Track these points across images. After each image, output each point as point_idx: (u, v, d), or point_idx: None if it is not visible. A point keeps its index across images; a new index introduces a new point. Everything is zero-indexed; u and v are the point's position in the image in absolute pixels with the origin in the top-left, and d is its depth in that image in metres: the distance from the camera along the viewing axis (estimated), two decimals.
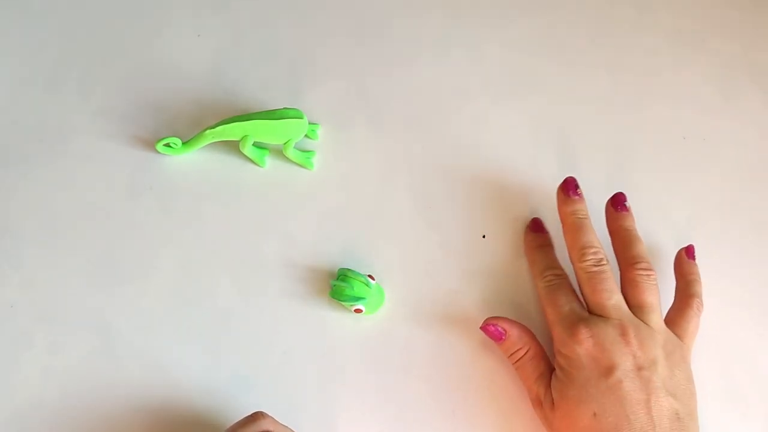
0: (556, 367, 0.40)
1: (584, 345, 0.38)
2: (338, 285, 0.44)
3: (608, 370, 0.38)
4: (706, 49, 0.55)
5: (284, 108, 0.48)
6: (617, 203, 0.45)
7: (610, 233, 0.44)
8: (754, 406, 0.43)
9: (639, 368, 0.38)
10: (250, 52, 0.54)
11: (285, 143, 0.48)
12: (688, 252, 0.45)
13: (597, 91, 0.53)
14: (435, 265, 0.47)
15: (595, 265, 0.41)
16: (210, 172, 0.49)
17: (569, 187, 0.45)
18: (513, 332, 0.42)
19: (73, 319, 0.45)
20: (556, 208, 0.45)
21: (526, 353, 0.42)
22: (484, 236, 0.47)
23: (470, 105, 0.52)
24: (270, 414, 0.39)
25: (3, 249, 0.47)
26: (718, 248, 0.48)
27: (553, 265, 0.44)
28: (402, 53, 0.54)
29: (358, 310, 0.43)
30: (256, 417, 0.39)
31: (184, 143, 0.49)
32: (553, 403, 0.39)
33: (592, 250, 0.42)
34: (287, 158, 0.49)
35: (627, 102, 0.52)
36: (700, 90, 0.53)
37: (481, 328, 0.43)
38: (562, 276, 0.43)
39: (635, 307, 0.41)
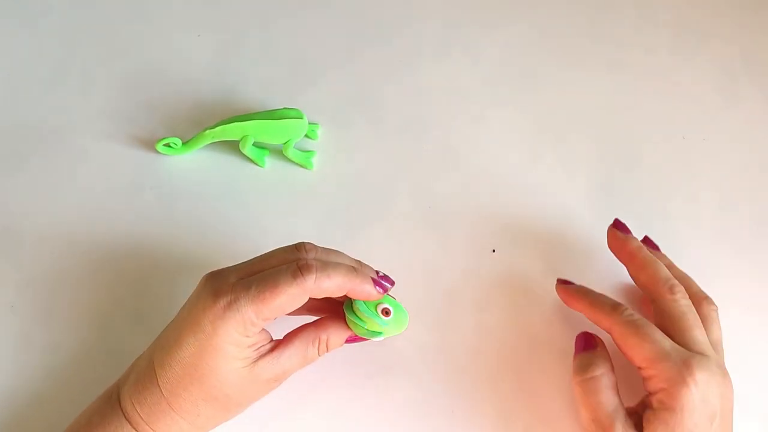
0: (655, 407, 0.36)
1: (700, 386, 0.35)
2: (352, 320, 0.39)
3: (713, 415, 0.36)
4: (706, 49, 0.55)
5: (284, 108, 0.48)
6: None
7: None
8: (752, 406, 0.43)
9: (725, 411, 0.37)
10: (250, 52, 0.54)
11: (285, 143, 0.48)
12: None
13: (597, 91, 0.53)
14: (435, 265, 0.47)
15: (685, 299, 0.39)
16: (210, 172, 0.49)
17: (622, 227, 0.44)
18: (598, 351, 0.40)
19: (72, 318, 0.45)
20: (613, 251, 0.44)
21: (601, 375, 0.38)
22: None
23: (470, 105, 0.52)
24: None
25: (3, 249, 0.47)
26: (718, 248, 0.48)
27: (616, 301, 0.40)
28: (402, 53, 0.54)
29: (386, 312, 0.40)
30: (300, 247, 0.38)
31: (184, 143, 0.49)
32: None
33: (678, 285, 0.40)
34: (287, 158, 0.49)
35: (627, 102, 0.52)
36: (700, 90, 0.53)
37: (579, 335, 0.41)
38: (633, 311, 0.39)
39: (712, 343, 0.39)
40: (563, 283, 0.43)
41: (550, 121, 0.52)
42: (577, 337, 0.41)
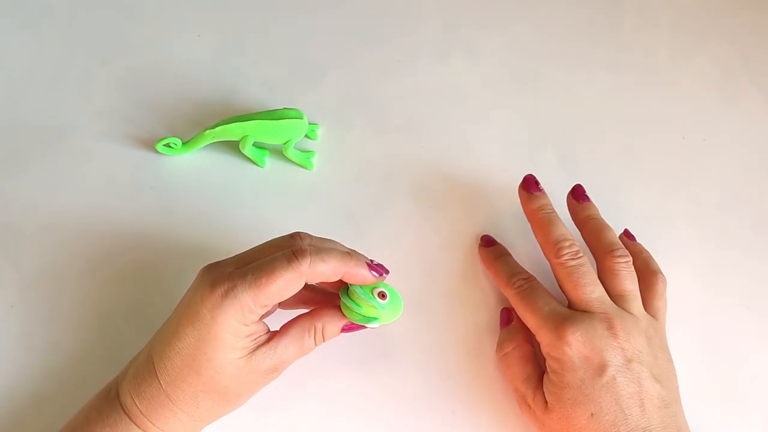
0: (548, 370, 0.39)
1: (574, 346, 0.38)
2: (346, 305, 0.39)
3: (601, 368, 0.37)
4: (706, 49, 0.55)
5: (284, 108, 0.48)
6: (579, 195, 0.45)
7: (579, 225, 0.44)
8: (752, 406, 0.43)
9: (628, 361, 0.38)
10: (250, 52, 0.54)
11: (285, 143, 0.48)
12: (628, 235, 0.46)
13: (597, 91, 0.53)
14: (435, 265, 0.47)
15: (573, 259, 0.41)
16: (210, 172, 0.49)
17: (530, 185, 0.44)
18: (512, 325, 0.43)
19: (73, 318, 0.45)
20: (522, 209, 0.45)
21: (512, 350, 0.42)
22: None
23: (470, 105, 0.52)
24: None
25: (4, 249, 0.47)
26: (718, 248, 0.48)
27: (517, 270, 0.43)
28: (402, 53, 0.54)
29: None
30: (294, 236, 0.38)
31: (184, 143, 0.49)
32: (546, 406, 0.39)
33: (567, 243, 0.41)
34: (287, 158, 0.49)
35: (627, 102, 0.52)
36: (700, 90, 0.53)
37: (501, 311, 0.44)
38: (531, 278, 0.43)
39: (616, 296, 0.40)
40: (486, 245, 0.46)
41: (550, 121, 0.52)
42: (500, 313, 0.44)
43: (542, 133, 0.51)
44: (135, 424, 0.37)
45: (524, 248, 0.47)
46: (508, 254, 0.45)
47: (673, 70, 0.54)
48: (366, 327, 0.39)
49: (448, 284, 0.46)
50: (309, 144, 0.50)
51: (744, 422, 0.43)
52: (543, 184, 0.49)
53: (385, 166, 0.50)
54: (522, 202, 0.45)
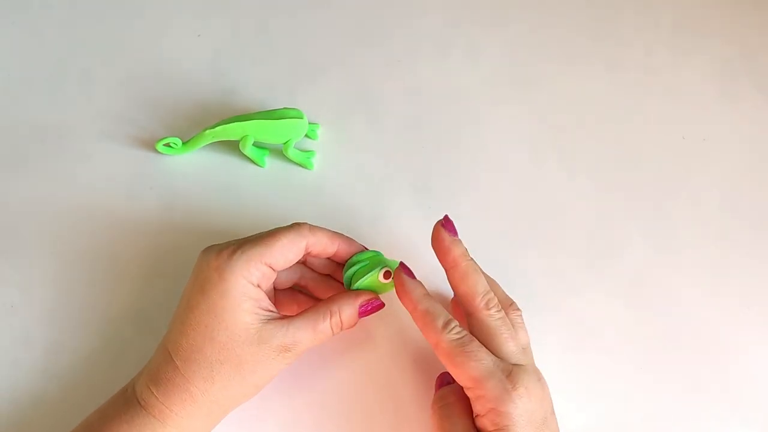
0: (490, 428, 0.36)
1: (524, 398, 0.36)
2: (356, 270, 0.41)
3: (542, 421, 0.36)
4: (706, 49, 0.55)
5: (284, 108, 0.48)
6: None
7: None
8: (752, 406, 0.44)
9: (551, 411, 0.37)
10: (250, 52, 0.54)
11: (285, 143, 0.48)
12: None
13: (597, 91, 0.53)
14: (435, 265, 0.46)
15: (498, 312, 0.38)
16: (210, 172, 0.49)
17: (451, 227, 0.40)
18: (454, 384, 0.40)
19: (73, 319, 0.45)
20: (435, 251, 0.40)
21: (456, 401, 0.39)
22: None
23: (470, 105, 0.52)
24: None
25: (3, 249, 0.47)
26: (718, 248, 0.48)
27: (451, 317, 0.39)
28: (402, 53, 0.54)
29: (387, 274, 0.40)
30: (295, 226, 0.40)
31: (184, 143, 0.49)
32: None
33: (493, 297, 0.39)
34: (287, 158, 0.49)
35: (627, 102, 0.52)
36: (700, 90, 0.53)
37: (439, 375, 0.42)
38: (465, 328, 0.39)
39: (522, 348, 0.39)
40: (405, 272, 0.40)
41: (550, 121, 0.52)
42: (437, 378, 0.42)
43: (542, 133, 0.51)
44: (152, 415, 0.37)
45: (531, 246, 0.47)
46: (431, 296, 0.40)
47: (673, 70, 0.54)
48: (381, 304, 0.41)
49: (448, 285, 0.46)
50: (309, 144, 0.50)
51: (744, 422, 0.43)
52: (543, 184, 0.49)
53: (386, 165, 0.50)
54: (440, 246, 0.40)
